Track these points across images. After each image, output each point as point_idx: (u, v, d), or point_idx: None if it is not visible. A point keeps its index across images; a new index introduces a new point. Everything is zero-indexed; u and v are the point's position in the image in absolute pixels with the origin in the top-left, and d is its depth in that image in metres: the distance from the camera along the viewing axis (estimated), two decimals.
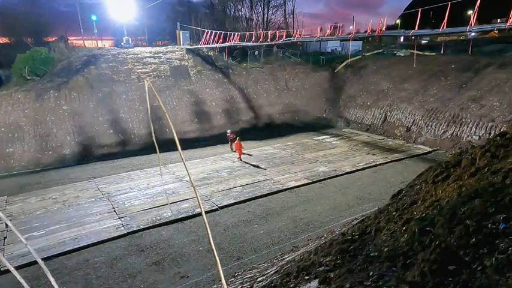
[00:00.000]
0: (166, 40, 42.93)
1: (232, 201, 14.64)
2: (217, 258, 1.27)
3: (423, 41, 42.79)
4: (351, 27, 44.94)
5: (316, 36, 29.11)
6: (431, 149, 21.33)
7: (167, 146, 13.81)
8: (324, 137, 25.85)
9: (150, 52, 30.82)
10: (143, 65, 28.75)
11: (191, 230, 12.43)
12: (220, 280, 1.26)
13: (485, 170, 3.71)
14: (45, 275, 0.99)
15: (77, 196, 15.60)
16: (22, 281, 0.94)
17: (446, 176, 4.50)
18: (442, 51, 33.10)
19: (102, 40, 42.36)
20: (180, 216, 13.25)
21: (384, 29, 22.03)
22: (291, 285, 3.98)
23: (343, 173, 17.85)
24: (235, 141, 21.16)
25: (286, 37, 29.78)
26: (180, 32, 35.53)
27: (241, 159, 20.16)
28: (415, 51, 26.09)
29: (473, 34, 34.18)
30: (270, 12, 51.98)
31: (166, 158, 20.49)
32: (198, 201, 1.31)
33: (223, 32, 30.79)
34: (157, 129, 23.72)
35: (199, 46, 33.24)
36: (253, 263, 9.83)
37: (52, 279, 0.97)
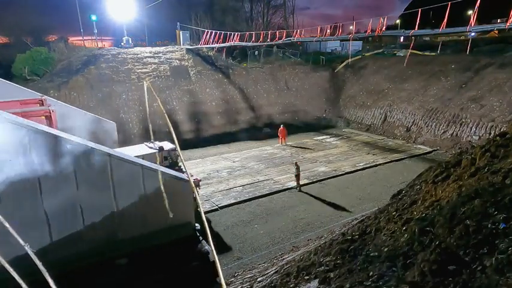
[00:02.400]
0: (166, 40, 42.92)
1: (232, 201, 14.64)
2: (216, 258, 1.27)
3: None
4: (351, 27, 44.89)
5: (316, 36, 29.09)
6: (431, 149, 21.34)
7: None
8: (324, 137, 25.84)
9: (150, 52, 30.81)
10: (143, 65, 28.74)
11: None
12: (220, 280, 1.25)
13: (485, 170, 3.71)
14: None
15: None
16: (21, 281, 0.94)
17: (446, 176, 4.50)
18: (439, 51, 33.10)
19: (102, 40, 42.34)
20: None
21: (384, 29, 21.99)
22: (291, 285, 3.99)
23: (343, 173, 17.84)
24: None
25: (286, 37, 29.76)
26: (180, 32, 35.52)
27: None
28: (410, 51, 26.10)
29: (473, 34, 34.15)
30: (270, 12, 51.98)
31: None
32: (197, 200, 1.31)
33: (223, 32, 30.77)
34: (160, 129, 23.72)
35: (199, 46, 33.22)
36: (253, 263, 9.83)
37: (51, 281, 0.96)
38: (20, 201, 7.43)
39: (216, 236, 11.94)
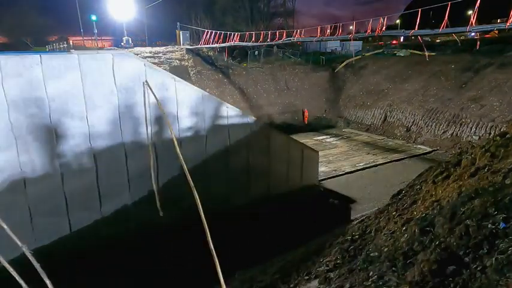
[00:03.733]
0: (162, 41, 42.92)
1: None
2: (216, 260, 1.27)
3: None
4: (351, 27, 44.89)
5: (316, 36, 29.09)
6: (431, 149, 21.33)
7: None
8: (324, 137, 25.84)
9: (150, 52, 30.82)
10: None
11: None
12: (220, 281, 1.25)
13: (485, 170, 3.71)
14: None
15: None
16: (21, 281, 0.94)
17: (446, 176, 4.51)
18: (439, 51, 33.14)
19: (102, 40, 42.34)
20: None
21: (384, 29, 22.00)
22: (291, 285, 3.99)
23: (343, 173, 17.84)
24: None
25: (286, 37, 29.77)
26: (180, 32, 35.55)
27: None
28: (412, 51, 26.11)
29: (473, 34, 34.17)
30: (270, 12, 51.98)
31: None
32: (197, 202, 1.31)
33: (223, 32, 30.79)
34: None
35: (199, 46, 33.22)
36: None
37: (48, 282, 0.96)
38: (217, 160, 9.77)
39: None
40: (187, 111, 8.96)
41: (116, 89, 7.87)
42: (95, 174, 7.98)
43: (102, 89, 7.70)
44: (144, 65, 8.20)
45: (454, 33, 24.14)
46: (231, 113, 9.78)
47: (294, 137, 25.62)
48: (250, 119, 10.39)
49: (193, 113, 9.11)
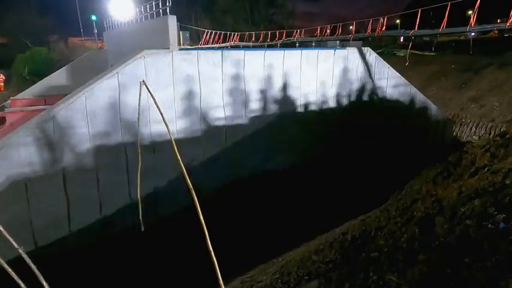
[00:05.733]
0: None
1: None
2: (214, 259, 1.27)
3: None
4: (351, 27, 44.76)
5: (316, 37, 29.05)
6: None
7: None
8: None
9: None
10: None
11: None
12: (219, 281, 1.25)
13: (485, 170, 3.71)
14: None
15: None
16: (20, 282, 0.94)
17: (447, 175, 4.50)
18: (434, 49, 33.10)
19: (102, 40, 42.31)
20: None
21: (384, 29, 21.94)
22: (291, 285, 3.98)
23: None
24: None
25: (286, 37, 29.76)
26: (180, 32, 35.51)
27: None
28: (408, 50, 26.14)
29: (473, 34, 34.11)
30: (270, 12, 51.96)
31: None
32: (195, 202, 1.30)
33: (223, 32, 30.77)
34: None
35: (199, 46, 33.18)
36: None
37: (44, 283, 0.96)
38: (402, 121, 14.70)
39: None
40: (391, 88, 13.74)
41: (356, 72, 12.30)
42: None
43: (351, 71, 12.08)
44: (375, 57, 12.61)
45: (454, 33, 24.13)
46: (412, 91, 14.73)
47: None
48: (422, 95, 15.16)
49: (393, 88, 13.80)
